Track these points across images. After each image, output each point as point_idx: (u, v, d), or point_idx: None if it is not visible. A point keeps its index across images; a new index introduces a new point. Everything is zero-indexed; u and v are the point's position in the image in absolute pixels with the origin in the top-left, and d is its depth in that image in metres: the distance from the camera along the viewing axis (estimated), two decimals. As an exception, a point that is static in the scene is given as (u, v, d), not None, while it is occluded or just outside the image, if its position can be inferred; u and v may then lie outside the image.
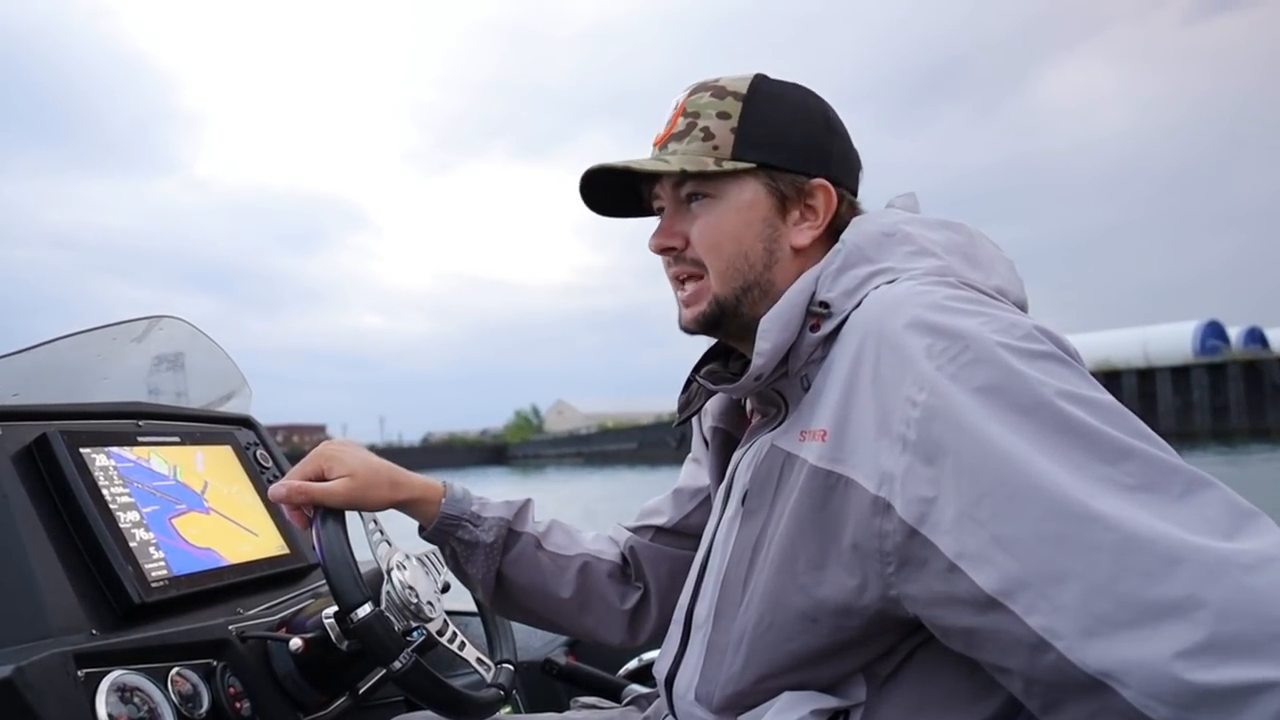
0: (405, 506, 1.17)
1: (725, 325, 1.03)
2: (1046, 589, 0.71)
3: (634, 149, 1.08)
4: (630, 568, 1.27)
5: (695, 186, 1.01)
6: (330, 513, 1.08)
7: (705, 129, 1.00)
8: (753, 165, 0.99)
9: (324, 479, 1.10)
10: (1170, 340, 38.55)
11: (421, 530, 1.19)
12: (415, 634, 1.11)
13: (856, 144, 1.09)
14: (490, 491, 1.25)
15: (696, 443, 1.27)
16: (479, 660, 1.18)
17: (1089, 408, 0.76)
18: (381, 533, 1.17)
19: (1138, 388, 33.37)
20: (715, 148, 1.00)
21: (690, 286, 1.03)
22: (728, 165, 0.99)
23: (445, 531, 1.17)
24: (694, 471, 1.28)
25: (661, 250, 1.04)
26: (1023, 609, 0.72)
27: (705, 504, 1.24)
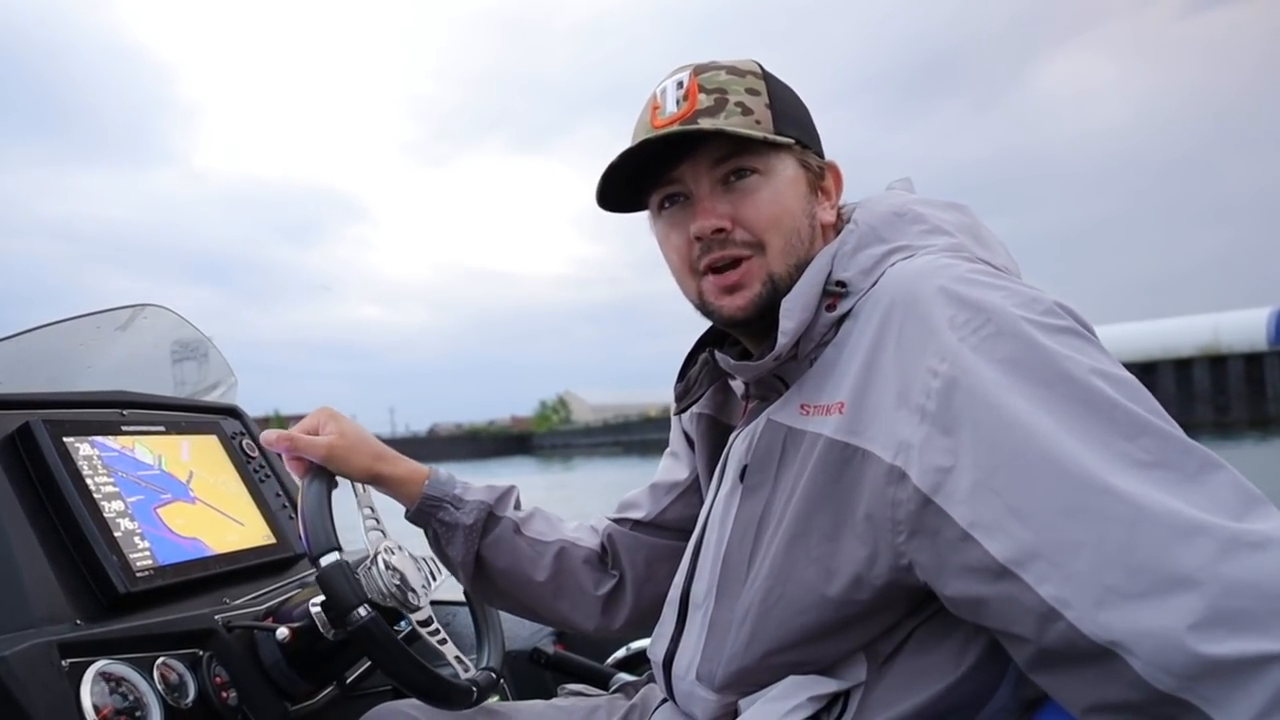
0: (389, 484, 1.18)
1: (773, 306, 0.96)
2: (1059, 558, 0.72)
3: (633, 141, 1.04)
4: (608, 555, 1.27)
5: (742, 161, 0.97)
6: (319, 473, 1.12)
7: (741, 104, 0.97)
8: (793, 141, 0.99)
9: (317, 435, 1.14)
10: (1243, 327, 38.54)
11: (406, 512, 1.20)
12: (402, 624, 1.10)
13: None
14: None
15: (676, 436, 1.26)
16: (458, 659, 1.16)
17: (1110, 382, 0.77)
18: (377, 521, 1.17)
19: (1244, 372, 33.29)
20: (757, 122, 0.97)
21: (735, 271, 0.98)
22: (780, 139, 0.97)
23: (427, 513, 1.18)
24: (670, 466, 1.28)
25: (713, 232, 0.97)
26: (1034, 578, 0.73)
27: (682, 498, 1.25)
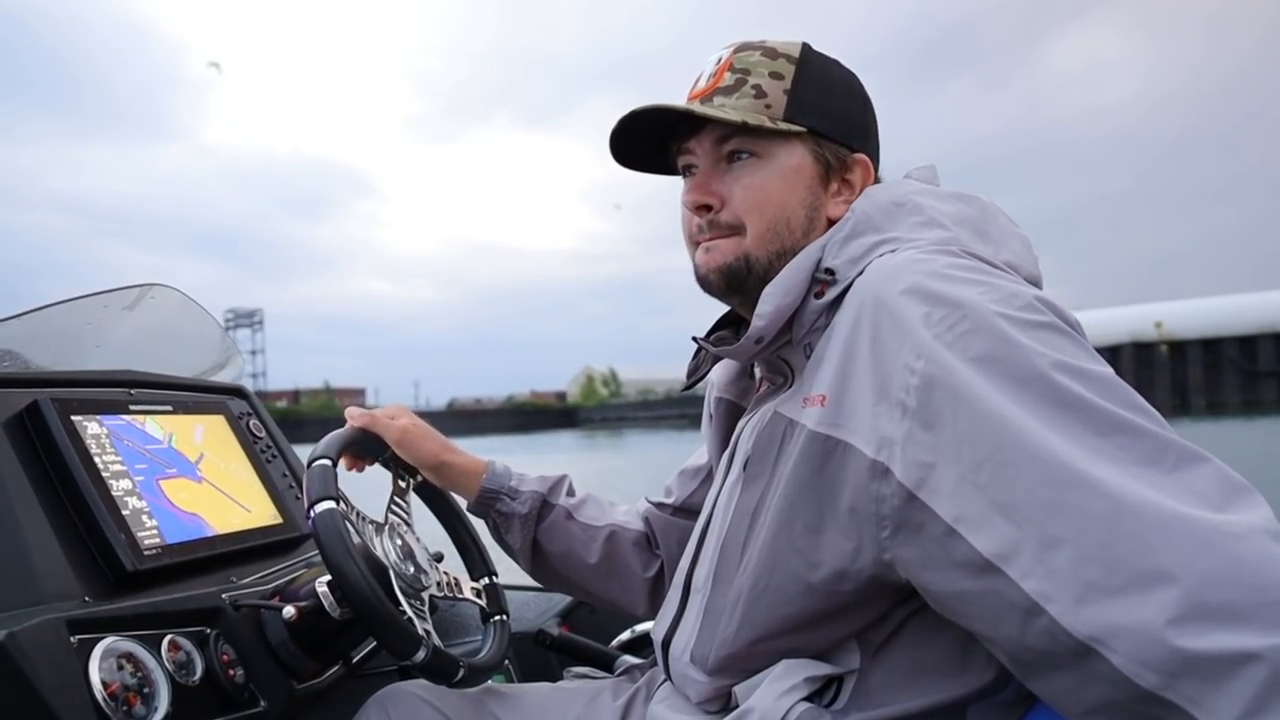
0: (452, 473, 1.26)
1: (747, 285, 1.01)
2: (1041, 554, 0.72)
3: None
4: (652, 539, 1.32)
5: (741, 144, 0.99)
6: (361, 431, 1.20)
7: (757, 86, 0.99)
8: (804, 130, 0.99)
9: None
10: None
11: (467, 504, 1.29)
12: (423, 629, 1.08)
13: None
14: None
15: (704, 419, 1.28)
16: (475, 591, 1.27)
17: (1084, 380, 0.76)
18: (405, 510, 1.23)
19: None
20: (768, 106, 0.98)
21: (717, 241, 1.01)
22: (783, 125, 0.98)
23: (486, 504, 1.26)
24: (700, 450, 1.31)
25: (698, 208, 1.02)
26: (1018, 573, 0.73)
27: (707, 482, 1.27)
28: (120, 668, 0.98)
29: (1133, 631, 0.67)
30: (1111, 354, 58.16)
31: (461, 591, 1.25)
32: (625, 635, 1.82)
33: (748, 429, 1.05)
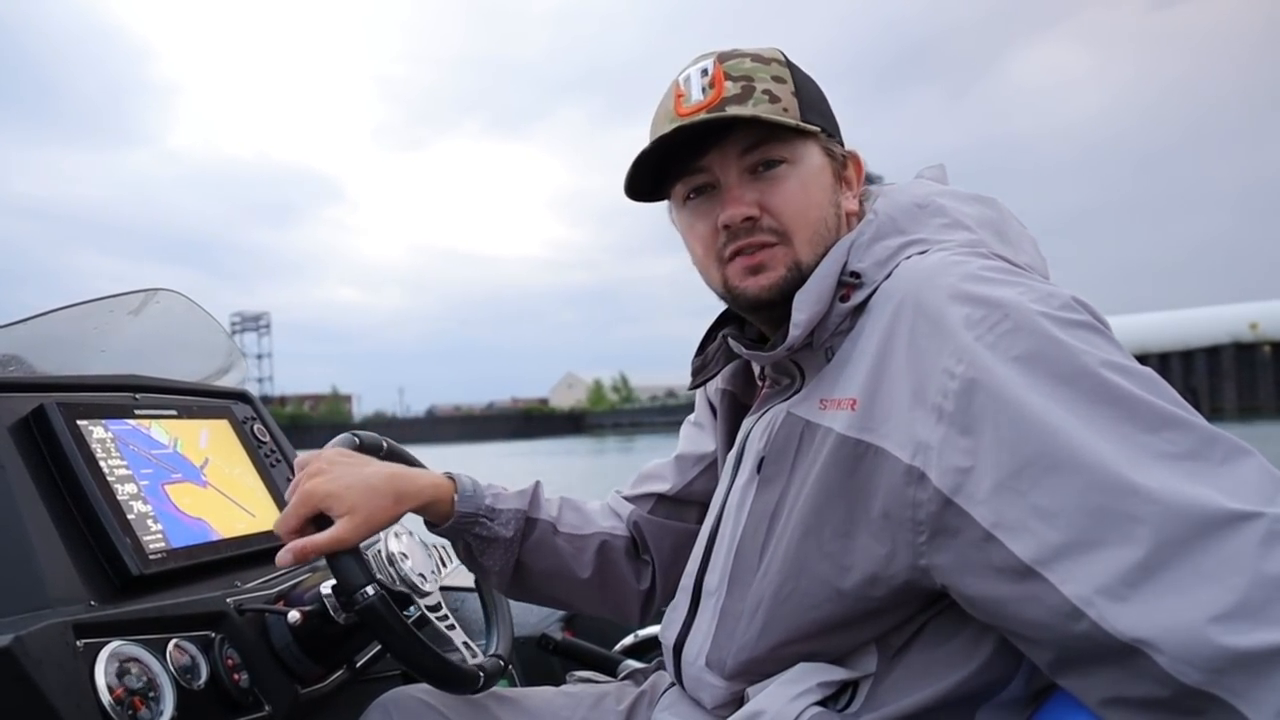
0: (419, 513, 1.14)
1: (793, 294, 0.96)
2: (1083, 557, 0.71)
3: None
4: (638, 544, 1.27)
5: (769, 151, 0.97)
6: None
7: (768, 92, 0.96)
8: (818, 130, 0.99)
9: (324, 517, 1.03)
10: None
11: (431, 526, 1.16)
12: (410, 609, 1.11)
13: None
14: None
15: (701, 407, 1.26)
16: (465, 644, 1.18)
17: (1129, 376, 0.76)
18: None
19: None
20: (785, 110, 0.97)
21: (762, 254, 0.98)
22: (805, 126, 0.97)
23: (461, 529, 1.15)
24: (695, 436, 1.28)
25: (743, 221, 0.97)
26: (1059, 578, 0.72)
27: (708, 471, 1.24)
28: (126, 671, 0.98)
29: (1178, 630, 0.67)
30: (1211, 355, 56.72)
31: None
32: (628, 640, 1.82)
33: (758, 429, 1.04)
